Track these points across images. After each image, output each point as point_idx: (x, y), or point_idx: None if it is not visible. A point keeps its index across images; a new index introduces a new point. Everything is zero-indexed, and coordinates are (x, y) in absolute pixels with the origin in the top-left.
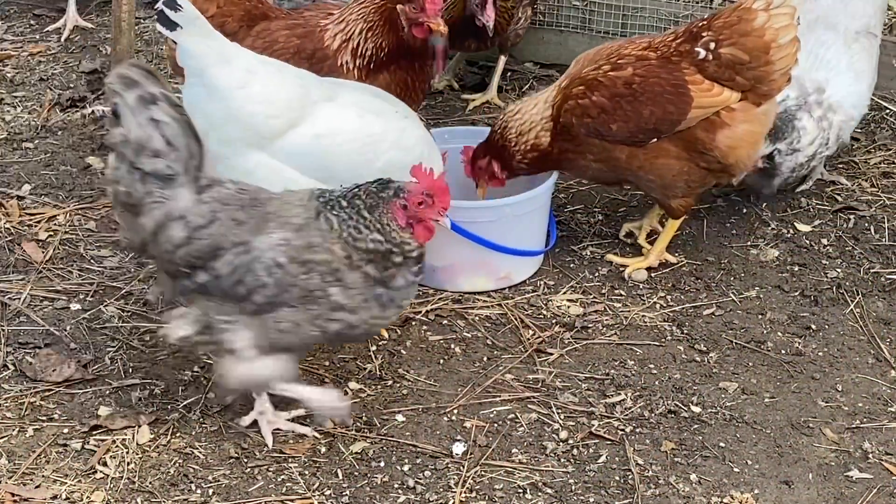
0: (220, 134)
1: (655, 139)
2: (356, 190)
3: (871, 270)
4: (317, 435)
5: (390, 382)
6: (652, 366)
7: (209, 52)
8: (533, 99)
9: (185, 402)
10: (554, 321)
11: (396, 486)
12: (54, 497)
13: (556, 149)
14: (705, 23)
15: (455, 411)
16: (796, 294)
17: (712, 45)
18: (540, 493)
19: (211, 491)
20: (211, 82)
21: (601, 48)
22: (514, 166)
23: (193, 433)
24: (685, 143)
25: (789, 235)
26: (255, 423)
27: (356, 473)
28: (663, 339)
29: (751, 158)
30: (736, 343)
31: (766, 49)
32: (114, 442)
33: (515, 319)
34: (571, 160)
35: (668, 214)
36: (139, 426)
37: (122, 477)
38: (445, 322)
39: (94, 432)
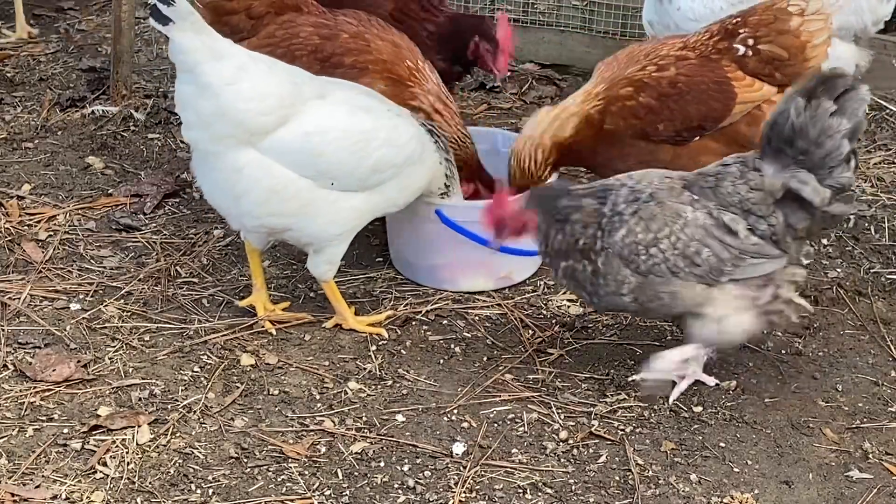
0: (211, 131)
1: (699, 137)
2: None
3: (871, 270)
4: None
5: (390, 382)
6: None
7: (201, 48)
8: (535, 118)
9: (185, 402)
10: (554, 321)
11: (396, 486)
12: (54, 497)
13: (596, 152)
14: (739, 20)
15: (455, 411)
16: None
17: (751, 42)
18: (540, 493)
19: (211, 491)
20: (201, 79)
21: (631, 50)
22: (533, 182)
23: (193, 433)
24: (727, 138)
25: None
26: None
27: (356, 473)
28: (663, 339)
29: None
30: None
31: (803, 48)
32: (114, 442)
33: (515, 319)
34: (610, 164)
35: None
36: (139, 426)
37: (122, 477)
38: (445, 322)
39: (94, 432)
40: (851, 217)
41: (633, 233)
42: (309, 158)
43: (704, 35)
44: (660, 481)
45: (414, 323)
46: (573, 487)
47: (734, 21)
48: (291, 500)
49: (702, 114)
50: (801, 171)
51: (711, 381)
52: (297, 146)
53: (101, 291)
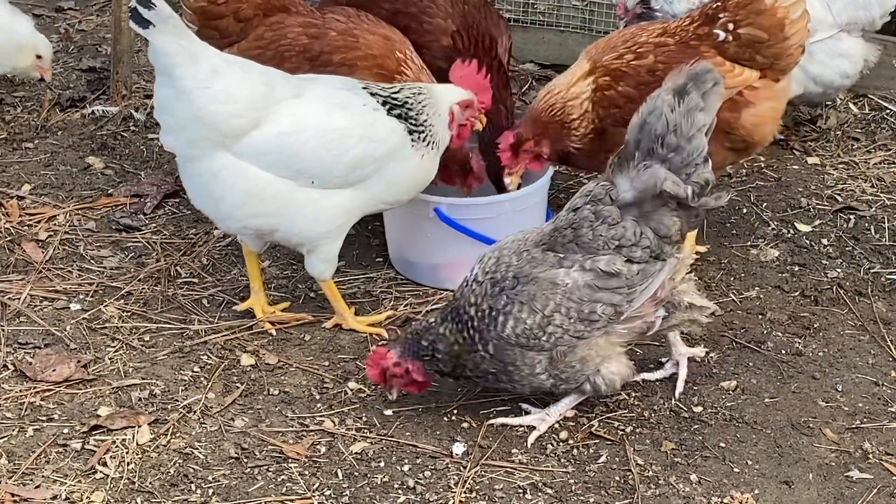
0: (187, 135)
1: None
2: None
3: (871, 270)
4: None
5: None
6: (652, 366)
7: (180, 52)
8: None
9: (185, 402)
10: None
11: (396, 486)
12: (54, 497)
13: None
14: (719, 4)
15: (455, 411)
16: (796, 294)
17: (731, 27)
18: (540, 493)
19: (211, 491)
20: (178, 83)
21: (611, 37)
22: (564, 147)
23: (193, 433)
24: None
25: (789, 235)
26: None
27: (356, 473)
28: (663, 339)
29: (772, 135)
30: (736, 343)
31: (782, 26)
32: (114, 442)
33: None
34: (597, 156)
35: None
36: (139, 426)
37: (122, 477)
38: None
39: (94, 432)
40: (851, 217)
41: (521, 320)
42: (285, 159)
43: (685, 20)
44: (660, 481)
45: (414, 322)
46: (573, 487)
47: (714, 6)
48: (291, 500)
49: None
50: (656, 168)
51: (700, 351)
52: (273, 147)
53: (101, 291)
